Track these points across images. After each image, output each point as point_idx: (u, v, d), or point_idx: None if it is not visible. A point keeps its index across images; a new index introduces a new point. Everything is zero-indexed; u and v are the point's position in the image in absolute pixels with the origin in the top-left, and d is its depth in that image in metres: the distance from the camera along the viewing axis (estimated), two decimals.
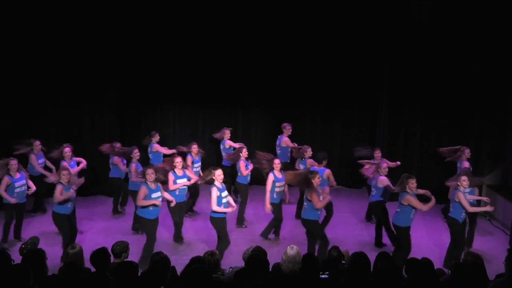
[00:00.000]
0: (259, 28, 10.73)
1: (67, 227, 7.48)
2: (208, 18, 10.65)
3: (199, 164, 9.48)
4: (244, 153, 9.08)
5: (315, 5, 10.55)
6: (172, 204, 7.75)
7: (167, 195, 7.70)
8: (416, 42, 10.04)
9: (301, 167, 9.27)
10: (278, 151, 10.33)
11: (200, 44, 10.90)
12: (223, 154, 10.28)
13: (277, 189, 8.10)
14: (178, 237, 8.26)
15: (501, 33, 9.58)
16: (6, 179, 7.85)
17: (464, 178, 7.50)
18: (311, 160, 9.14)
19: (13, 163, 7.91)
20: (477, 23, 9.65)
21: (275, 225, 8.41)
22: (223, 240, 7.35)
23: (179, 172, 8.00)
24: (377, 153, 9.35)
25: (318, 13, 10.61)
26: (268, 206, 8.05)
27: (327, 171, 8.51)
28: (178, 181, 7.95)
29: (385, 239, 8.34)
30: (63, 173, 7.40)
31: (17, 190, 7.96)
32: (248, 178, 9.11)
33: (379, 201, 8.26)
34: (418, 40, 10.02)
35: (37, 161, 9.07)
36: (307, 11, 10.58)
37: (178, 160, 8.02)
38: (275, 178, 8.07)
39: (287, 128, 10.41)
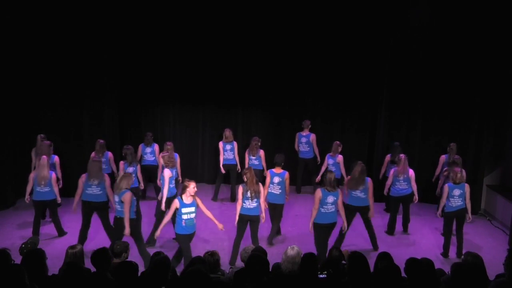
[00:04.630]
0: (259, 28, 10.75)
1: None
2: (208, 18, 10.66)
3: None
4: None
5: (315, 5, 10.55)
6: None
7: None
8: (416, 43, 10.03)
9: (331, 161, 9.82)
10: (307, 148, 10.65)
11: (200, 44, 10.92)
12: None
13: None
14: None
15: (501, 33, 9.58)
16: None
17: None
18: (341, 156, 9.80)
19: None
20: (477, 22, 9.64)
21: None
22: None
23: (186, 199, 6.80)
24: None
25: (318, 14, 10.62)
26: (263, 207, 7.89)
27: (287, 174, 8.22)
28: (184, 210, 6.75)
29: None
30: None
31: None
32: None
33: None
34: (418, 40, 10.01)
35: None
36: (307, 11, 10.59)
37: (192, 185, 6.81)
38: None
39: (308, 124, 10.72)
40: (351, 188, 7.85)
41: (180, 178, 9.28)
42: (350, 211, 7.84)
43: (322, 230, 7.24)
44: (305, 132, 10.71)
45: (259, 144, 9.92)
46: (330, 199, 7.14)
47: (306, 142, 10.69)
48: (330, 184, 7.12)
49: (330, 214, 7.20)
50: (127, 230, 6.87)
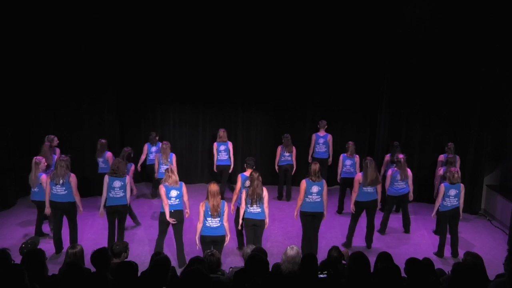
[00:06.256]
0: (259, 28, 10.75)
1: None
2: (208, 17, 10.66)
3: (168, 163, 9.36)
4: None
5: (315, 5, 10.56)
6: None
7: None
8: (416, 43, 10.02)
9: (349, 162, 9.71)
10: (324, 149, 10.66)
11: (200, 44, 10.92)
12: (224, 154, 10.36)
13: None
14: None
15: (501, 32, 9.57)
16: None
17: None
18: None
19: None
20: (477, 22, 9.63)
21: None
22: None
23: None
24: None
25: (318, 14, 10.63)
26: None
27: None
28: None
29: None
30: None
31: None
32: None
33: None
34: (418, 40, 10.00)
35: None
36: (307, 11, 10.60)
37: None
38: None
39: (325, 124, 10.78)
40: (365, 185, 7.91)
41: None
42: (360, 207, 8.06)
43: (306, 218, 7.49)
44: (322, 133, 10.73)
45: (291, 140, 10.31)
46: (315, 189, 7.35)
47: (323, 142, 10.70)
48: (314, 174, 7.34)
49: (315, 203, 7.40)
50: (188, 214, 7.52)
